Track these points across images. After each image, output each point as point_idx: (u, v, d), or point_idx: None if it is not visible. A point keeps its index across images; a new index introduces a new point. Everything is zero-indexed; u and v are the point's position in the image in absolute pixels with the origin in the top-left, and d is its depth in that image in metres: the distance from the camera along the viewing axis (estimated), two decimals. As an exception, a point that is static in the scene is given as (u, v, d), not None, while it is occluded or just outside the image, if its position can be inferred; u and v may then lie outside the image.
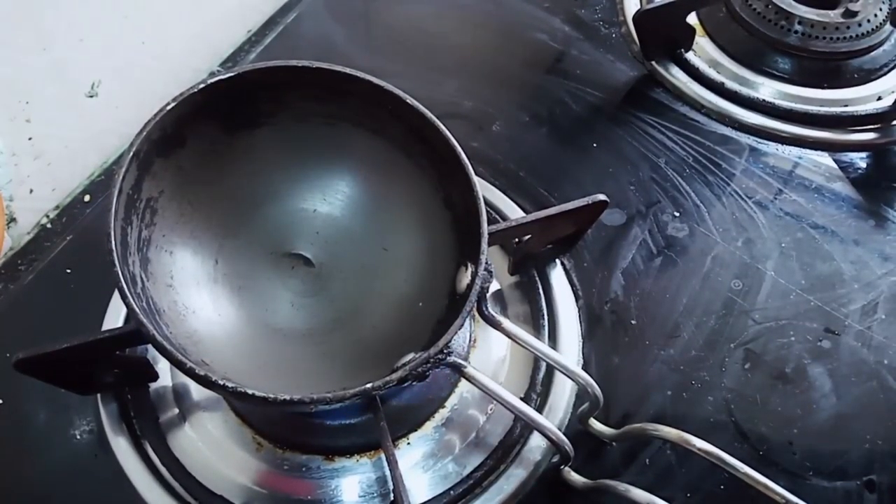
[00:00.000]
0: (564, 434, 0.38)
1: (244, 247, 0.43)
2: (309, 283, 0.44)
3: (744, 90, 0.60)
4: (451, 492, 0.41)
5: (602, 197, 0.43)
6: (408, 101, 0.39)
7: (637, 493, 0.37)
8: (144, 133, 0.35)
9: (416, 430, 0.44)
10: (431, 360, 0.34)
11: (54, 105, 0.51)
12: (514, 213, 0.53)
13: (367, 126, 0.42)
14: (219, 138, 0.40)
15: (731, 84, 0.61)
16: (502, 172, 0.56)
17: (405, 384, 0.37)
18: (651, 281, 0.50)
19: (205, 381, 0.31)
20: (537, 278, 0.50)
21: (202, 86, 0.36)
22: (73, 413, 0.45)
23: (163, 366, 0.46)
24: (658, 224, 0.53)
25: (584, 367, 0.46)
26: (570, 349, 0.47)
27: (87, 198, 0.55)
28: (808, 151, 0.58)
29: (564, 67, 0.63)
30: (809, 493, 0.40)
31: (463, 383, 0.45)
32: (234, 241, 0.43)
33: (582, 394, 0.44)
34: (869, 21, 0.62)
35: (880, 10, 0.62)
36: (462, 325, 0.35)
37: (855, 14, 0.61)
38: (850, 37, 0.61)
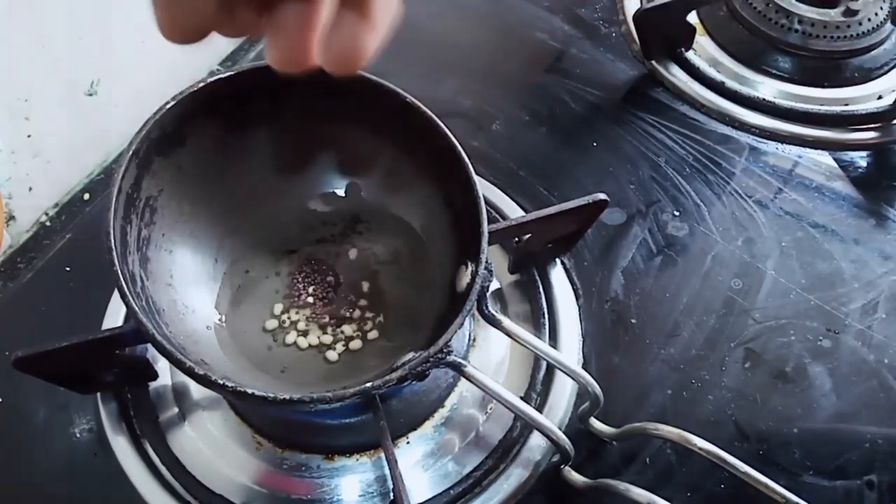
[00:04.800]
0: (564, 433, 0.38)
1: (243, 246, 0.43)
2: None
3: (744, 89, 0.60)
4: (451, 491, 0.41)
5: (602, 196, 0.43)
6: (408, 99, 0.39)
7: (637, 492, 0.37)
8: (144, 132, 0.35)
9: (415, 430, 0.44)
10: (431, 359, 0.34)
11: (54, 103, 0.51)
12: (514, 212, 0.53)
13: (367, 125, 0.42)
14: (218, 137, 0.40)
15: (731, 83, 0.61)
16: (502, 171, 0.56)
17: (405, 383, 0.37)
18: (651, 280, 0.50)
19: (204, 381, 0.31)
20: (537, 277, 0.50)
21: (202, 85, 0.36)
22: (73, 412, 0.45)
23: (162, 365, 0.46)
24: (658, 223, 0.53)
25: (585, 367, 0.46)
26: (570, 348, 0.47)
27: (86, 196, 0.55)
28: (808, 150, 0.58)
29: (564, 66, 0.63)
30: (809, 492, 0.40)
31: (462, 382, 0.45)
32: (234, 240, 0.43)
33: (582, 393, 0.44)
34: (869, 20, 0.61)
35: (881, 8, 0.62)
36: (462, 324, 0.35)
37: (855, 13, 0.61)
38: (851, 35, 0.61)
